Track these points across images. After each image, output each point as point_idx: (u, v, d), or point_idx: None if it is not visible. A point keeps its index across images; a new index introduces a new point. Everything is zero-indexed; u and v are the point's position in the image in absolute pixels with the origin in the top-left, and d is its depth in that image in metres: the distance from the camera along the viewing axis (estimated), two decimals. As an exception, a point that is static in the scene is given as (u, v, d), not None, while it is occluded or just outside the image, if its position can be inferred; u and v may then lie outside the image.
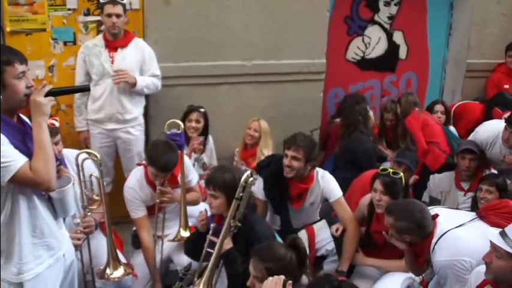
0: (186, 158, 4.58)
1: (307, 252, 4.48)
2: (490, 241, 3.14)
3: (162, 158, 4.11)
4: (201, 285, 3.49)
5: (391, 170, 4.32)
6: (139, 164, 4.55)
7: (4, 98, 2.75)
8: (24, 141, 2.83)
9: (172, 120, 4.57)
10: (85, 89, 3.57)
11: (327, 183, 4.59)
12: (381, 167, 4.45)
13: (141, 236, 4.34)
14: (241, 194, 3.54)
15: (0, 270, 2.95)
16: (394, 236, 3.72)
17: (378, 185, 4.26)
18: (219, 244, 3.56)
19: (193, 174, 4.59)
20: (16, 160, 2.72)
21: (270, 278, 2.78)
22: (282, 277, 2.76)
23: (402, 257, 4.31)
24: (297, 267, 3.12)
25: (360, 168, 5.37)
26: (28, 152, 2.79)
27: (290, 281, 2.75)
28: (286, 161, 4.39)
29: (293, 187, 4.54)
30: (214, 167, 4.44)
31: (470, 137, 5.00)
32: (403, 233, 3.64)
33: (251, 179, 3.57)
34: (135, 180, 4.38)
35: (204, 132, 5.41)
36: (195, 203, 4.57)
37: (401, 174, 4.29)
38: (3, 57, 2.75)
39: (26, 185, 2.81)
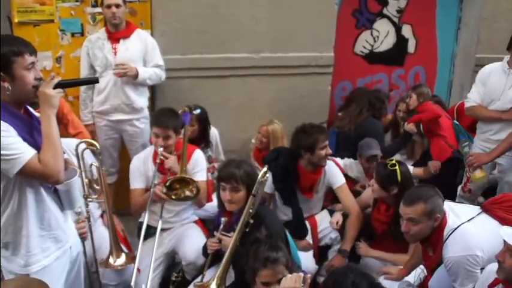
0: (201, 153, 4.57)
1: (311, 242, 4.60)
2: (504, 241, 3.13)
3: (161, 114, 4.37)
4: (215, 280, 3.49)
5: (393, 162, 4.37)
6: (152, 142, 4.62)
7: (12, 89, 2.75)
8: (31, 133, 2.82)
9: (186, 105, 4.81)
10: (93, 81, 3.58)
11: (331, 170, 4.75)
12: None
13: (133, 201, 4.41)
14: (257, 191, 3.55)
15: (6, 261, 2.96)
16: (424, 227, 3.55)
17: (375, 171, 4.41)
18: (233, 241, 3.56)
19: (201, 167, 4.51)
20: (25, 152, 2.71)
21: (289, 276, 2.77)
22: (301, 274, 2.75)
23: (406, 250, 4.35)
24: None
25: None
26: (36, 145, 2.79)
27: (309, 275, 2.74)
28: (326, 151, 4.55)
29: (305, 178, 4.63)
30: (224, 162, 4.41)
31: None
32: (434, 213, 3.52)
33: (267, 175, 3.60)
34: (144, 154, 4.55)
35: (203, 133, 5.31)
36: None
37: (397, 167, 4.30)
38: (13, 48, 2.74)
39: (35, 177, 2.80)
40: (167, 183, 4.05)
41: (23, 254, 2.93)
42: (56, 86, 2.83)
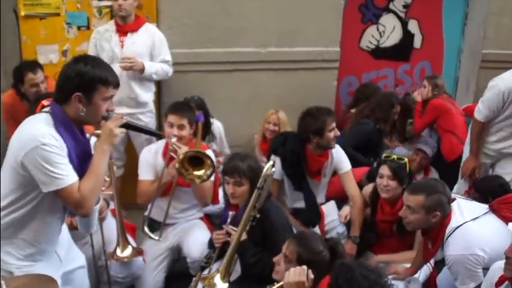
0: (212, 154, 4.52)
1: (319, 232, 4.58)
2: None
3: (176, 104, 4.46)
4: (219, 272, 3.50)
5: (395, 156, 4.37)
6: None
7: (83, 112, 2.77)
8: (80, 158, 2.83)
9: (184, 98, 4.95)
10: (157, 135, 3.61)
11: (338, 155, 4.74)
12: (384, 154, 4.53)
13: (140, 190, 4.34)
14: (263, 184, 3.54)
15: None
16: (420, 219, 3.58)
17: (384, 170, 4.31)
18: (238, 233, 3.56)
19: None
20: (69, 176, 2.72)
21: (292, 269, 2.76)
22: (305, 267, 2.74)
23: (411, 247, 4.34)
24: (328, 267, 2.99)
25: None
26: (79, 171, 2.79)
27: (310, 270, 2.74)
28: (335, 133, 4.54)
29: (313, 162, 4.61)
30: (229, 155, 4.39)
31: (488, 93, 4.75)
32: (434, 209, 3.53)
33: (273, 169, 3.59)
34: (155, 147, 4.51)
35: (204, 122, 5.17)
36: (203, 191, 4.33)
37: (406, 159, 4.34)
38: (102, 75, 2.76)
39: (66, 203, 2.81)
40: (181, 157, 3.96)
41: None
42: (123, 125, 2.88)
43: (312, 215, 4.61)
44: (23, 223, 2.85)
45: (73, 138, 2.78)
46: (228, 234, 3.71)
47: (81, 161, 2.83)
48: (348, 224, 4.69)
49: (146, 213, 4.50)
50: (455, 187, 5.23)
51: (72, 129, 2.79)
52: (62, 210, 2.99)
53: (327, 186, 4.91)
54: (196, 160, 3.99)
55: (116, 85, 2.85)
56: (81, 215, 2.89)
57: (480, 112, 4.80)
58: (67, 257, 3.25)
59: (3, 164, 2.87)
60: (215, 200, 4.48)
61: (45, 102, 3.47)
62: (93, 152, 2.94)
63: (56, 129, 2.73)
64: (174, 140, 4.13)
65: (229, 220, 3.78)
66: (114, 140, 2.84)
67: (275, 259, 3.12)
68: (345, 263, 2.68)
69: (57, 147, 2.68)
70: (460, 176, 5.21)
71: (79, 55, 2.92)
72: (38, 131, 2.69)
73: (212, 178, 4.31)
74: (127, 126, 2.94)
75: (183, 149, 4.04)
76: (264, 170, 3.56)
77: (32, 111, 3.71)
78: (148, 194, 4.29)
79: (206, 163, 3.97)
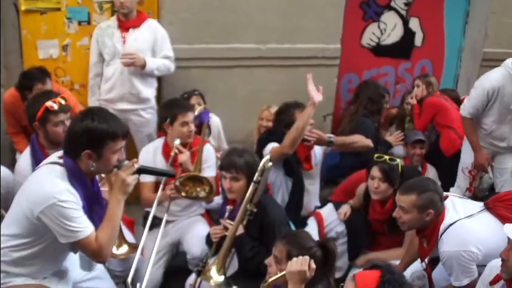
0: (211, 148, 4.56)
1: (318, 238, 4.57)
2: (508, 238, 3.11)
3: (178, 100, 4.71)
4: (215, 265, 3.50)
5: (387, 157, 4.36)
6: (160, 135, 4.68)
7: (93, 166, 2.82)
8: (92, 205, 2.90)
9: (202, 106, 5.04)
10: (170, 175, 3.65)
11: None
12: (376, 155, 4.48)
13: (143, 196, 4.39)
14: (259, 178, 3.54)
15: None
16: (414, 218, 3.60)
17: (375, 172, 4.30)
18: (234, 227, 3.56)
19: (210, 163, 4.49)
20: (87, 228, 2.78)
21: (295, 259, 2.78)
22: (307, 257, 2.76)
23: (400, 244, 4.38)
24: (320, 266, 2.97)
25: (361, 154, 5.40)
26: (90, 215, 2.85)
27: (312, 260, 2.76)
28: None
29: (300, 150, 4.64)
30: (227, 150, 4.41)
31: (474, 92, 4.93)
32: (427, 208, 3.55)
33: (270, 164, 3.58)
34: (153, 146, 4.52)
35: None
36: None
37: (398, 160, 4.34)
38: (110, 130, 2.79)
39: (84, 252, 2.87)
40: (180, 180, 4.04)
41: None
42: (135, 172, 2.92)
43: (295, 199, 4.68)
44: (30, 259, 2.90)
45: (85, 189, 2.84)
46: (226, 228, 3.72)
47: (91, 206, 2.89)
48: (347, 223, 4.67)
49: (147, 208, 4.53)
50: (455, 185, 5.29)
51: (84, 181, 2.85)
52: (69, 251, 3.05)
53: (319, 177, 4.96)
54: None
55: (124, 135, 2.90)
56: (99, 262, 2.98)
57: (465, 108, 5.01)
58: (76, 266, 3.28)
59: (13, 207, 2.92)
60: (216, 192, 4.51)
61: (48, 104, 3.48)
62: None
63: (70, 182, 2.78)
64: (177, 142, 4.20)
65: (226, 214, 3.79)
66: (127, 189, 2.88)
67: (267, 261, 3.12)
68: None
69: (74, 202, 2.75)
70: (459, 172, 5.29)
71: (85, 109, 2.96)
72: (55, 187, 2.74)
73: (213, 173, 4.42)
74: (140, 171, 2.99)
75: (185, 155, 4.18)
76: (261, 164, 3.57)
77: (32, 112, 3.67)
78: (150, 201, 4.28)
79: (204, 184, 4.08)
